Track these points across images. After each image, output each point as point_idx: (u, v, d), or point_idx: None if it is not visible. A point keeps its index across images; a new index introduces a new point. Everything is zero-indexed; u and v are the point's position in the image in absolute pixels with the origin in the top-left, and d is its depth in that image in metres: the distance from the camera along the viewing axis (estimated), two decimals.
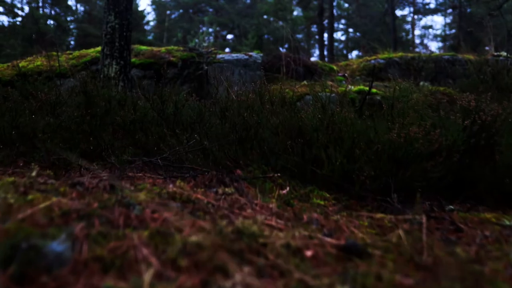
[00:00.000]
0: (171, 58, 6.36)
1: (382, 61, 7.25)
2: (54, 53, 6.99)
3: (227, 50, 31.41)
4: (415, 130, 1.96)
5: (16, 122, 2.98)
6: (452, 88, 6.45)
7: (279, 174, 2.01)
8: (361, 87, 5.78)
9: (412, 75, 7.22)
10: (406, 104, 3.16)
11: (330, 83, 6.37)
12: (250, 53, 6.63)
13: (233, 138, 2.56)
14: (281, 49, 26.94)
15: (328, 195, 1.94)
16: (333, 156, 2.09)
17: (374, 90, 5.75)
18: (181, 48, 6.75)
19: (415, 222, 1.52)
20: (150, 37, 32.30)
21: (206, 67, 6.28)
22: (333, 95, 5.84)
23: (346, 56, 35.90)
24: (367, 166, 2.05)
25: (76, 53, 6.76)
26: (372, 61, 7.29)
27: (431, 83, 7.06)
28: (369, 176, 1.97)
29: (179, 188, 1.49)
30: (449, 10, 32.49)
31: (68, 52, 6.94)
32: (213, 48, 6.84)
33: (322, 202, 1.75)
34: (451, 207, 1.92)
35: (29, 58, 6.71)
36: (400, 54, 7.42)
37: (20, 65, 6.43)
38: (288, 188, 1.95)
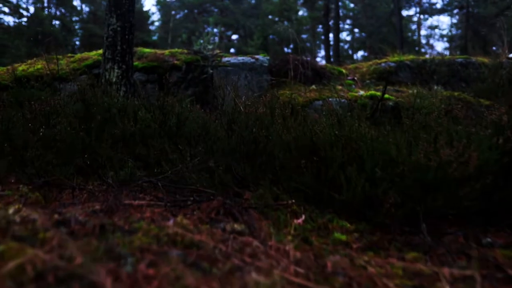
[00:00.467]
0: (175, 62, 6.16)
1: (392, 64, 7.01)
2: (56, 56, 6.82)
3: (232, 50, 31.25)
4: (447, 153, 1.73)
5: (8, 133, 2.79)
6: (467, 93, 6.21)
7: (293, 201, 1.79)
8: (373, 92, 5.55)
9: (424, 79, 6.98)
10: (426, 115, 2.94)
11: (339, 87, 6.15)
12: (257, 56, 6.41)
13: (240, 155, 2.35)
14: (286, 49, 26.73)
15: (349, 225, 1.72)
16: (353, 179, 1.88)
17: (386, 96, 5.52)
18: (186, 51, 6.55)
19: (457, 266, 1.30)
20: (154, 37, 32.20)
21: (211, 71, 6.08)
22: (343, 100, 5.62)
23: (351, 57, 35.63)
24: (391, 190, 1.83)
25: (78, 55, 6.58)
26: (383, 64, 7.05)
27: (443, 87, 6.82)
28: (394, 203, 1.75)
29: (181, 227, 1.28)
30: (456, 10, 32.11)
31: (69, 54, 6.77)
32: (218, 51, 6.63)
33: (344, 238, 1.53)
34: (489, 240, 1.69)
35: (29, 61, 6.54)
36: (411, 57, 7.17)
37: (20, 68, 6.26)
38: (303, 217, 1.74)
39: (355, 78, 6.84)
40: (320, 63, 6.90)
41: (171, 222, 1.34)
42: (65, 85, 6.08)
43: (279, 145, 2.19)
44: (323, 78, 6.40)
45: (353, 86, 6.57)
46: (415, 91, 6.20)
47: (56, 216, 1.37)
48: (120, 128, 2.80)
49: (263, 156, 2.33)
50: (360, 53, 37.30)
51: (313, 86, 5.92)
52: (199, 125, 2.55)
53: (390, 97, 5.64)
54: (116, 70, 5.12)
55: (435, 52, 37.36)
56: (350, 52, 37.68)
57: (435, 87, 6.70)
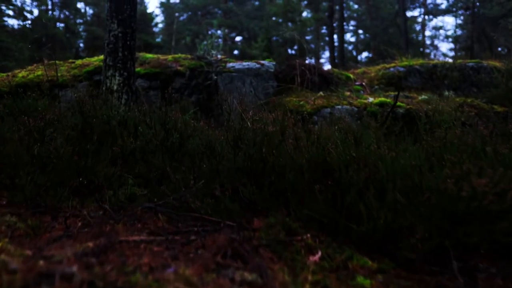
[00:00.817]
0: (178, 67, 6.00)
1: (402, 69, 6.81)
2: (56, 62, 6.68)
3: (235, 52, 31.11)
4: (482, 182, 1.54)
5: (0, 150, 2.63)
6: (479, 99, 6.00)
7: (308, 236, 1.61)
8: (383, 99, 5.36)
9: (434, 84, 6.78)
10: (447, 130, 2.75)
11: (347, 93, 5.96)
12: (262, 62, 6.23)
13: (247, 176, 2.18)
14: (290, 50, 26.53)
15: (370, 263, 1.54)
16: (373, 208, 1.69)
17: (398, 103, 5.33)
18: (189, 56, 6.38)
19: None
20: (158, 39, 32.11)
21: (215, 77, 5.91)
22: (352, 108, 5.43)
23: (356, 58, 35.38)
24: (416, 221, 1.65)
25: (79, 61, 6.43)
26: (391, 69, 6.84)
27: (454, 92, 6.61)
28: (421, 238, 1.57)
29: (183, 279, 1.10)
30: (461, 11, 31.79)
31: (70, 60, 6.62)
32: (223, 56, 6.46)
33: (367, 283, 1.35)
34: None
35: (29, 68, 6.39)
36: (420, 61, 6.97)
37: (20, 75, 6.11)
38: (319, 253, 1.55)
39: (363, 83, 6.65)
40: (327, 68, 6.71)
41: (171, 272, 1.17)
42: (65, 92, 5.93)
43: (290, 166, 2.01)
44: (330, 84, 6.21)
45: (362, 92, 6.38)
46: (425, 97, 6.01)
47: (41, 263, 1.20)
48: (120, 144, 2.63)
49: (272, 176, 2.15)
50: (365, 55, 37.07)
51: (321, 93, 5.74)
52: (203, 143, 2.37)
53: (401, 104, 5.45)
54: (117, 78, 4.96)
55: (439, 53, 37.09)
56: (354, 53, 37.43)
57: (446, 93, 6.50)
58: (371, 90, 6.46)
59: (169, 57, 6.42)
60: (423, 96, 5.99)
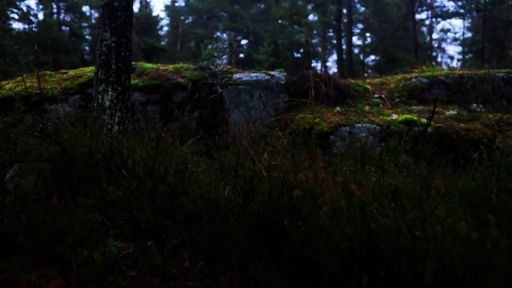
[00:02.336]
0: (180, 79, 5.43)
1: (424, 79, 6.19)
2: (48, 72, 6.15)
3: (241, 55, 30.57)
4: None
5: None
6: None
7: None
8: (408, 116, 4.75)
9: (461, 97, 6.17)
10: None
11: (367, 108, 5.37)
12: (272, 73, 5.65)
13: (263, 250, 1.60)
14: (296, 54, 25.95)
15: None
16: None
17: (423, 120, 4.73)
18: (192, 67, 5.82)
19: None
20: (163, 43, 31.64)
21: (220, 90, 5.34)
22: (374, 126, 4.84)
23: (362, 62, 34.70)
24: None
25: (71, 72, 5.89)
26: (413, 80, 6.23)
27: (483, 105, 5.99)
28: None
29: None
30: (471, 13, 31.04)
31: (62, 70, 6.07)
32: (229, 66, 5.89)
33: None
34: None
35: (18, 79, 5.87)
36: (445, 71, 6.35)
37: (7, 87, 5.59)
38: None
39: (383, 95, 6.05)
40: (343, 80, 6.12)
41: None
42: (56, 106, 5.39)
43: (325, 247, 1.42)
44: (347, 97, 5.62)
45: (381, 105, 5.78)
46: (453, 112, 5.40)
47: None
48: (103, 188, 2.06)
49: (297, 252, 1.57)
50: (372, 58, 36.39)
51: (337, 108, 5.15)
52: (203, 196, 1.79)
53: (425, 120, 4.84)
54: (110, 93, 4.41)
55: (446, 56, 36.39)
56: (361, 57, 36.71)
57: (473, 106, 5.89)
58: (392, 103, 5.86)
59: (170, 67, 5.87)
60: (450, 111, 5.38)
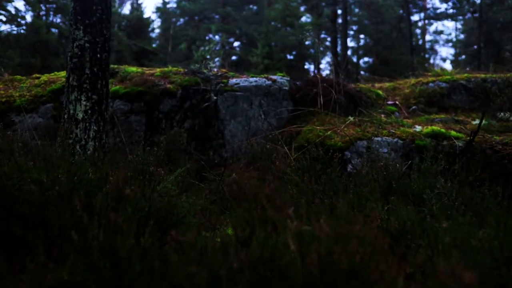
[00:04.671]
0: (168, 85, 4.71)
1: (444, 84, 5.53)
2: (18, 77, 5.40)
3: (233, 58, 29.84)
4: None
5: None
6: None
7: None
8: (435, 128, 4.08)
9: (483, 103, 5.53)
10: None
11: (383, 117, 4.70)
12: (274, 77, 4.95)
13: None
14: (288, 56, 25.33)
15: None
16: None
17: (453, 133, 4.06)
18: (181, 70, 5.10)
19: None
20: (154, 45, 30.80)
21: (215, 97, 4.63)
22: (395, 140, 4.17)
23: (357, 64, 34.14)
24: None
25: (44, 77, 5.14)
26: (431, 85, 5.57)
27: (510, 113, 5.36)
28: None
29: None
30: (465, 16, 30.70)
31: (35, 75, 5.32)
32: (223, 70, 5.19)
33: None
34: None
35: None
36: (465, 75, 5.72)
37: None
38: None
39: (397, 102, 5.39)
40: (353, 85, 5.44)
41: None
42: (24, 117, 4.65)
43: None
44: (358, 105, 4.94)
45: (397, 114, 5.12)
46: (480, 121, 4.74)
47: None
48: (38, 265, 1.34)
49: None
50: (365, 60, 35.89)
51: (350, 118, 4.47)
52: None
53: (455, 133, 4.18)
54: (83, 103, 3.68)
55: (439, 57, 36.09)
56: (354, 59, 36.14)
57: (501, 114, 5.24)
58: (408, 111, 5.20)
59: (157, 70, 5.15)
60: (477, 121, 4.73)
